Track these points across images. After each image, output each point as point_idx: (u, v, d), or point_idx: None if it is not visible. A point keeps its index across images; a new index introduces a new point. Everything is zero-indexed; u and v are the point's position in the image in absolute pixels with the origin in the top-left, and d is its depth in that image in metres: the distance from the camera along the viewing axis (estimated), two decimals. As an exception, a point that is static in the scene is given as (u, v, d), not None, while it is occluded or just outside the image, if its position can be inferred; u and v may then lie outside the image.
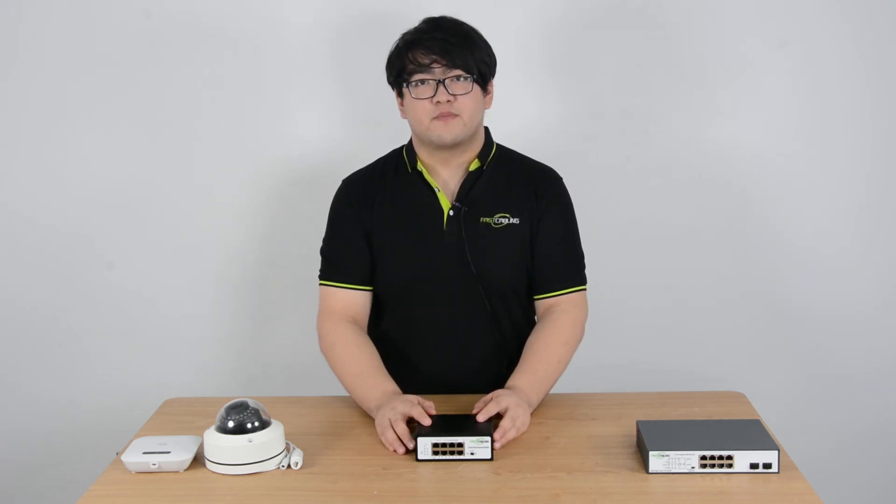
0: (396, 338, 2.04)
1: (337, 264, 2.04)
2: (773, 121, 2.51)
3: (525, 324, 2.09)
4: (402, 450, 1.73)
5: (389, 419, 1.76)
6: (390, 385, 1.90)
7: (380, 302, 2.06)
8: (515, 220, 2.00)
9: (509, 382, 1.91)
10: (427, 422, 1.75)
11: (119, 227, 2.59)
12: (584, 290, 2.06)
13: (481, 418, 1.77)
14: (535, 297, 2.05)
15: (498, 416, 1.79)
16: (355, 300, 2.03)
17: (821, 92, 2.49)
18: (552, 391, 1.99)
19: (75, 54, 2.50)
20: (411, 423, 1.76)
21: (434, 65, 1.91)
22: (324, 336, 2.01)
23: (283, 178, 2.56)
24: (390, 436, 1.74)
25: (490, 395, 1.84)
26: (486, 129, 2.06)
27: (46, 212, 2.58)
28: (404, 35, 1.98)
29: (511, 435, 1.76)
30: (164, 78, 2.51)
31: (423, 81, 1.92)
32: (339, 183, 2.10)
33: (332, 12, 2.48)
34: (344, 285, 2.03)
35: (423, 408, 1.78)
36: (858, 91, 2.48)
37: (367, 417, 1.88)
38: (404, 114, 2.01)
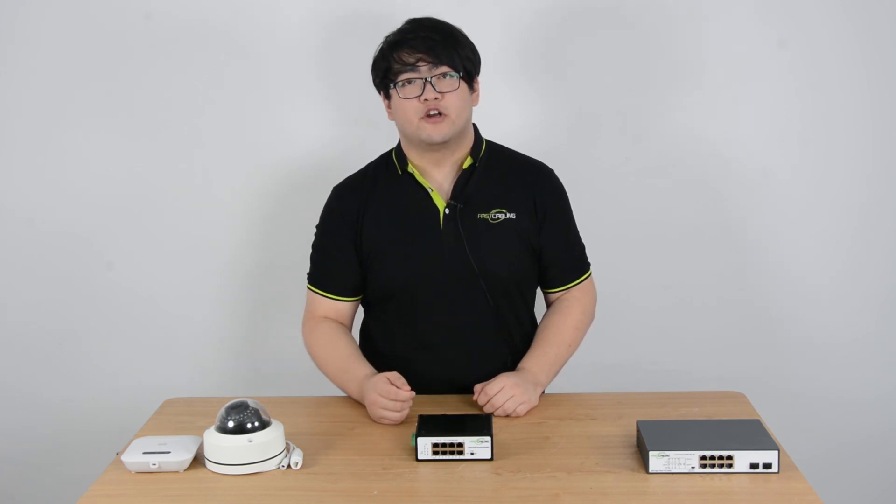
0: (399, 340, 2.04)
1: (324, 274, 2.06)
2: (773, 120, 2.51)
3: (528, 318, 2.10)
4: (405, 408, 1.82)
5: (375, 397, 1.83)
6: (363, 370, 1.95)
7: (380, 305, 2.06)
8: (512, 216, 2.00)
9: (520, 364, 1.98)
10: (407, 391, 1.83)
11: (119, 227, 2.59)
12: (590, 273, 2.10)
13: (480, 400, 1.86)
14: (546, 290, 2.10)
15: None
16: (340, 309, 2.06)
17: (821, 92, 2.49)
18: (552, 391, 2.01)
19: (75, 55, 2.49)
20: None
21: (420, 63, 1.90)
22: (307, 343, 2.07)
23: (283, 178, 2.56)
24: (388, 410, 1.81)
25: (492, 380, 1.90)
26: (475, 125, 2.06)
27: (46, 212, 2.58)
28: (387, 37, 1.97)
29: (509, 406, 1.84)
30: (163, 79, 2.51)
31: (409, 81, 1.91)
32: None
33: (330, 13, 2.47)
34: (329, 296, 2.05)
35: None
36: (859, 91, 2.48)
37: (368, 417, 1.89)
38: (392, 116, 2.00)
